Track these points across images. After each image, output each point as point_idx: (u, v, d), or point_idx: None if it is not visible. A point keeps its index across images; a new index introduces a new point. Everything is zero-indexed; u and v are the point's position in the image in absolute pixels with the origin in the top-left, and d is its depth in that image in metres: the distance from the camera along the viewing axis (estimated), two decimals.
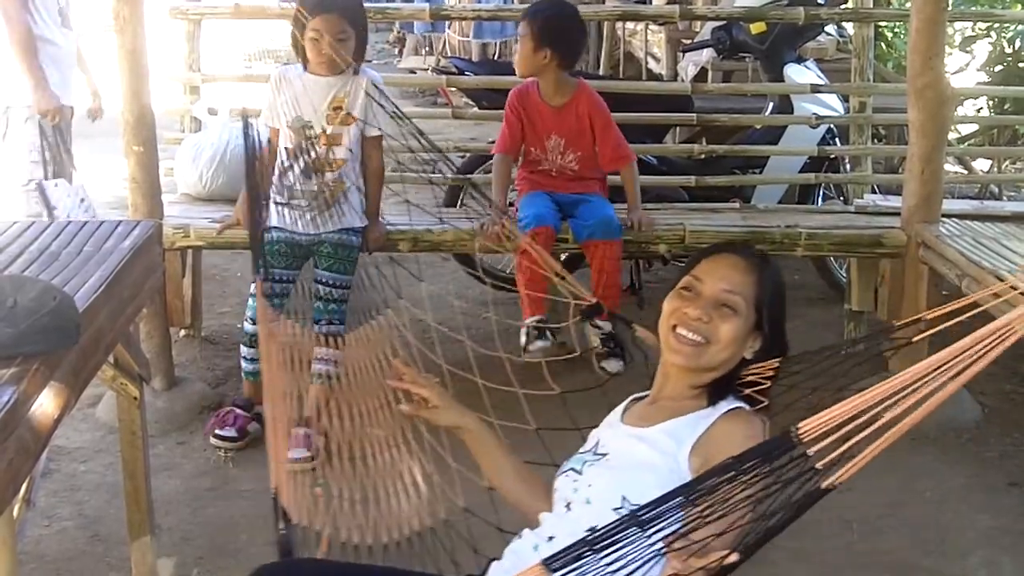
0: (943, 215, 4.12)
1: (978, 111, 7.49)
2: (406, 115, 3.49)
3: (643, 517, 1.35)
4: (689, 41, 6.58)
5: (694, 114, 4.86)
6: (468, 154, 4.99)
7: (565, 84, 3.93)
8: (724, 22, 5.25)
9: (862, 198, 4.79)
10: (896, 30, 7.54)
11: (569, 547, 1.34)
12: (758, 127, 5.09)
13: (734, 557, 1.39)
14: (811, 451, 1.33)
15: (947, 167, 5.11)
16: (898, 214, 4.20)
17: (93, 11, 5.60)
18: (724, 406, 1.88)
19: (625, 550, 1.34)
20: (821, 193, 5.10)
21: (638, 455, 1.85)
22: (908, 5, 4.25)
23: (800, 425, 1.34)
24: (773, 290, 1.92)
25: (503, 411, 2.29)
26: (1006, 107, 6.95)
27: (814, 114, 4.86)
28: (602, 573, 1.33)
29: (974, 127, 7.29)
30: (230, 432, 3.68)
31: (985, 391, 4.20)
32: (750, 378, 1.93)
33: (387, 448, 2.28)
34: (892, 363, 2.26)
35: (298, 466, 3.54)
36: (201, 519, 3.29)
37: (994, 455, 3.76)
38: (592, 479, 1.86)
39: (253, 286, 3.68)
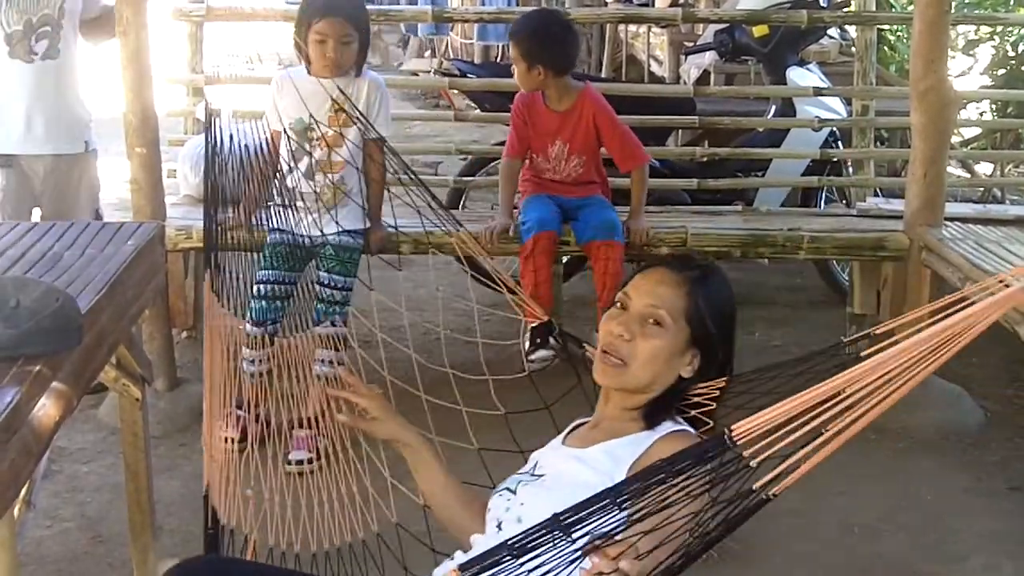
0: (946, 219, 4.11)
1: (981, 115, 7.48)
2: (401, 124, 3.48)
3: (565, 521, 1.31)
4: (692, 44, 6.58)
5: (696, 117, 4.86)
6: (470, 157, 4.99)
7: (568, 89, 3.93)
8: (727, 25, 5.25)
9: (865, 201, 4.78)
10: (899, 33, 7.52)
11: (486, 552, 1.30)
12: (761, 130, 5.09)
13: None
14: (746, 452, 1.30)
15: (950, 170, 5.10)
16: (900, 217, 4.20)
17: None
18: (665, 428, 1.80)
19: (545, 555, 1.29)
20: (824, 196, 5.10)
21: (574, 475, 1.78)
22: (911, 8, 4.26)
23: (734, 427, 1.32)
24: (710, 304, 1.82)
25: (449, 427, 2.26)
26: (1009, 111, 6.93)
27: (817, 117, 4.85)
28: None
29: (977, 131, 7.27)
30: (232, 433, 3.66)
31: (987, 395, 4.19)
32: (696, 399, 1.85)
33: (323, 456, 2.21)
34: None
35: (296, 468, 3.54)
36: (203, 520, 3.28)
37: (995, 459, 3.76)
38: (525, 498, 1.81)
39: (254, 287, 3.69)
